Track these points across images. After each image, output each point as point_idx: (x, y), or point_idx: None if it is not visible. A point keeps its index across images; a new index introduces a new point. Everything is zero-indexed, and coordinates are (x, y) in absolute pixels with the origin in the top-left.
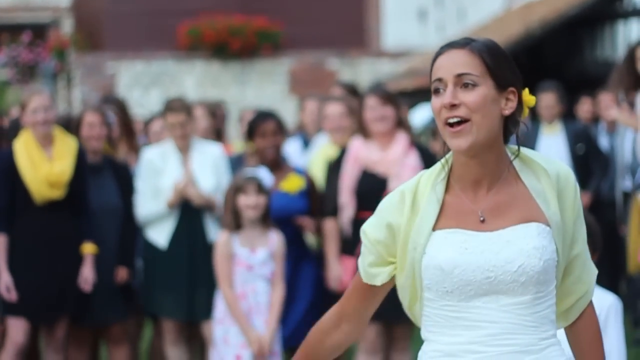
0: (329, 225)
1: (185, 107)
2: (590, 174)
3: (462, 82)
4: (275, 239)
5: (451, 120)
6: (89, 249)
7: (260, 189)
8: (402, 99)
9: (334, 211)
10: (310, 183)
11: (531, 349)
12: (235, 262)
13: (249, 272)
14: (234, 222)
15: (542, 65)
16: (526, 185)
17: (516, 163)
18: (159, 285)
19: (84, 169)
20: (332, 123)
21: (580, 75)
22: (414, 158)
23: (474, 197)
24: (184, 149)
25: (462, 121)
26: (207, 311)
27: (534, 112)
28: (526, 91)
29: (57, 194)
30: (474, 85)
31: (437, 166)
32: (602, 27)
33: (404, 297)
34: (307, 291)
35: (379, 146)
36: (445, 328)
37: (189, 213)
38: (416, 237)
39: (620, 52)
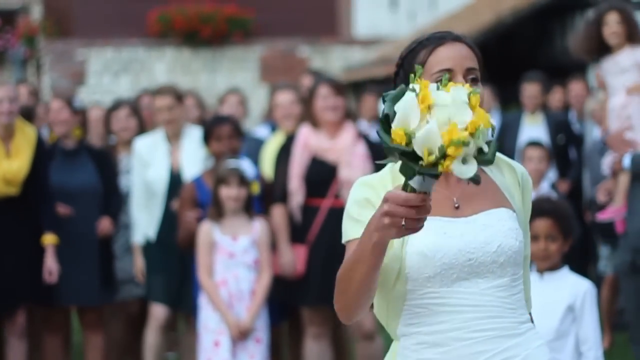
0: (278, 211)
1: (173, 92)
2: (569, 163)
3: (470, 76)
4: (258, 227)
5: None
6: (49, 239)
7: (242, 180)
8: (373, 86)
9: (283, 198)
10: (265, 187)
11: (513, 332)
12: (217, 250)
13: (231, 260)
14: (217, 211)
15: (513, 53)
16: (492, 178)
17: None
18: (152, 270)
19: (44, 160)
20: (282, 110)
21: (550, 64)
22: (362, 147)
23: (446, 186)
24: (174, 136)
25: None
26: (190, 300)
27: (518, 103)
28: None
29: (13, 190)
30: (478, 80)
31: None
32: (573, 16)
33: (381, 302)
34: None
35: (328, 135)
36: (426, 317)
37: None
38: None
39: None
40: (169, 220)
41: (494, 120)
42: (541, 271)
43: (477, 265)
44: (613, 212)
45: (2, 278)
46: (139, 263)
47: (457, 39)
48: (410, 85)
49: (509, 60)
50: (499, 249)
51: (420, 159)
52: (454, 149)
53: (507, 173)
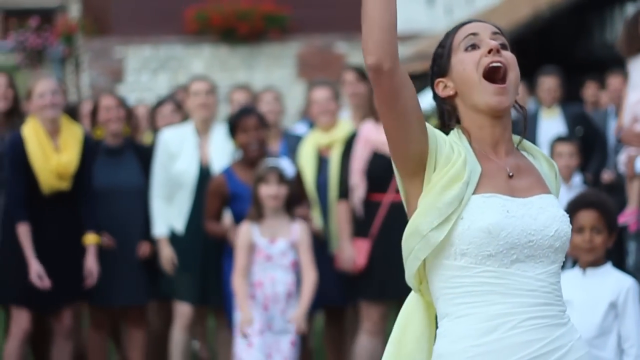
0: (341, 207)
1: (210, 81)
2: (589, 156)
3: (498, 41)
4: (297, 229)
5: (496, 64)
6: (91, 239)
7: (282, 179)
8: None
9: (345, 193)
10: (296, 174)
11: (560, 322)
12: (255, 251)
13: (268, 262)
14: (257, 211)
15: (551, 48)
16: (532, 163)
17: (520, 148)
18: (178, 269)
19: (89, 158)
20: (319, 107)
21: (588, 58)
22: None
23: (496, 157)
24: (204, 127)
25: (504, 76)
26: (220, 296)
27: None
28: None
29: (64, 185)
30: (507, 48)
31: (455, 133)
32: (612, 10)
33: (418, 251)
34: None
35: None
36: (479, 296)
37: (204, 196)
38: (458, 195)
39: None
40: (197, 214)
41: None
42: (584, 266)
43: (536, 247)
44: (628, 216)
45: (51, 276)
46: (166, 255)
47: (480, 20)
48: None
49: (546, 55)
50: (556, 233)
51: None
52: None
53: (545, 165)
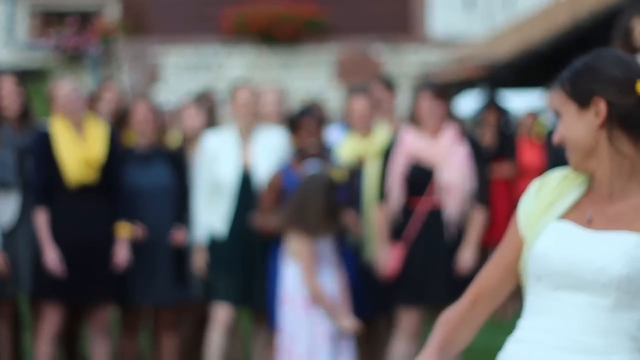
0: (380, 212)
1: (251, 87)
2: None
3: None
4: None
5: None
6: (123, 230)
7: (333, 186)
8: (449, 88)
9: (385, 198)
10: (350, 174)
11: (596, 350)
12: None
13: (322, 261)
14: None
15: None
16: None
17: None
18: (216, 269)
19: (116, 153)
20: (358, 116)
21: None
22: (463, 148)
23: (596, 200)
24: (247, 134)
25: None
26: (262, 298)
27: None
28: None
29: (93, 175)
30: None
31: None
32: None
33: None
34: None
35: (429, 136)
36: (529, 314)
37: (247, 200)
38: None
39: None
40: (238, 218)
41: None
42: None
43: (578, 278)
44: None
45: (83, 268)
46: (199, 261)
47: None
48: None
49: None
50: (601, 270)
51: None
52: None
53: None
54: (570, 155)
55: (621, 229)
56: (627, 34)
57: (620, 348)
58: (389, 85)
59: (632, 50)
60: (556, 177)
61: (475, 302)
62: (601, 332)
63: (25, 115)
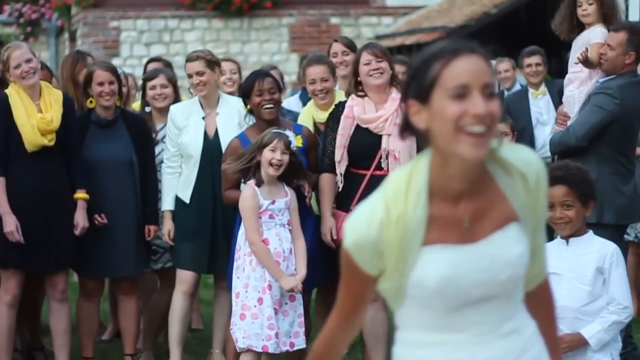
0: (324, 180)
1: (204, 58)
2: None
3: (488, 91)
4: (289, 192)
5: (477, 130)
6: (81, 195)
7: (287, 148)
8: (401, 54)
9: (329, 167)
10: (308, 140)
11: (515, 331)
12: (259, 211)
13: (271, 220)
14: (259, 175)
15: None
16: (499, 186)
17: (490, 164)
18: (181, 238)
19: (72, 119)
20: (316, 84)
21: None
22: None
23: (455, 205)
24: (208, 104)
25: (484, 133)
26: (225, 263)
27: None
28: None
29: (47, 141)
30: (494, 95)
31: (408, 175)
32: None
33: (387, 298)
34: (308, 244)
35: (374, 103)
36: (424, 328)
37: (211, 168)
38: (405, 253)
39: (632, 13)
40: (203, 186)
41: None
42: (565, 238)
43: (487, 295)
44: None
45: (42, 233)
46: (167, 228)
47: (472, 50)
48: None
49: (538, 33)
50: (508, 279)
51: None
52: None
53: (518, 181)
54: (488, 146)
55: (495, 226)
56: (573, 4)
57: (526, 315)
58: (350, 45)
59: (575, 24)
60: (381, 208)
61: (346, 325)
62: (511, 317)
63: (0, 84)
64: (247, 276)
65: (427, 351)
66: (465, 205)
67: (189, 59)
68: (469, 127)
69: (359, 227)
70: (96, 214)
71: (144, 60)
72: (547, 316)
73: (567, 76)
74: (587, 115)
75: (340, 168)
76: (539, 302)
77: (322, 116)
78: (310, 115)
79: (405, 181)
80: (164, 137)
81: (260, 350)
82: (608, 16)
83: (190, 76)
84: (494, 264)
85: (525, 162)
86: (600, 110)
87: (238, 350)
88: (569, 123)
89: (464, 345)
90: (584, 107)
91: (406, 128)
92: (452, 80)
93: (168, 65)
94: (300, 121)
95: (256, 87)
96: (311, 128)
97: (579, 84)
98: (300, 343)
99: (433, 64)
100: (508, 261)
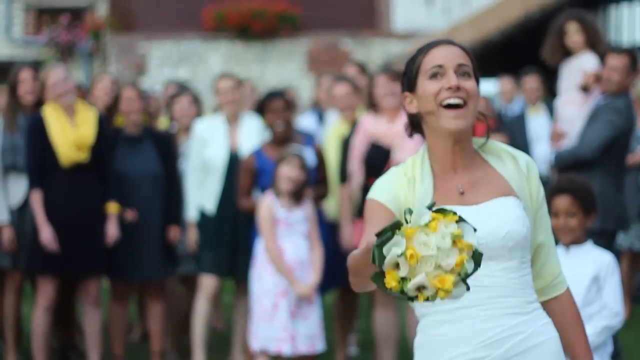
0: (343, 191)
1: (232, 79)
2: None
3: (461, 71)
4: (309, 204)
5: (453, 102)
6: (112, 208)
7: (302, 165)
8: None
9: (346, 179)
10: (319, 155)
11: (521, 311)
12: (276, 221)
13: (289, 229)
14: (277, 187)
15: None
16: (494, 167)
17: (481, 153)
18: (204, 244)
19: (105, 136)
20: (341, 102)
21: None
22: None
23: (453, 176)
24: (233, 120)
25: (461, 105)
26: (245, 269)
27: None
28: None
29: (82, 156)
30: (470, 75)
31: (418, 155)
32: (605, 10)
33: None
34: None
35: (387, 120)
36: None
37: (234, 180)
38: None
39: (624, 35)
40: (227, 197)
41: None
42: (566, 245)
43: (488, 250)
44: None
45: (76, 243)
46: (192, 238)
47: (449, 42)
48: (396, 238)
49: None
50: (507, 234)
51: (416, 298)
52: (443, 294)
53: (510, 163)
54: (468, 118)
55: (493, 196)
56: (561, 35)
57: (533, 300)
58: (362, 68)
59: (563, 50)
60: (400, 171)
61: None
62: (517, 291)
63: (39, 104)
64: (265, 282)
65: (440, 329)
66: (460, 176)
67: (220, 79)
68: (446, 101)
69: (381, 181)
70: (127, 208)
71: (170, 80)
72: (572, 330)
73: (562, 98)
74: (599, 130)
75: (357, 179)
76: (562, 315)
77: (348, 132)
78: (337, 130)
79: (413, 160)
80: (187, 151)
81: (275, 352)
82: (594, 43)
83: (219, 94)
84: (492, 219)
85: (514, 150)
86: (612, 125)
87: (253, 353)
88: (567, 141)
89: (473, 320)
90: (590, 122)
91: (409, 124)
92: (430, 63)
93: (184, 87)
94: (328, 136)
95: (268, 106)
96: (339, 145)
97: (578, 106)
98: (319, 345)
99: (417, 57)
100: (506, 220)
